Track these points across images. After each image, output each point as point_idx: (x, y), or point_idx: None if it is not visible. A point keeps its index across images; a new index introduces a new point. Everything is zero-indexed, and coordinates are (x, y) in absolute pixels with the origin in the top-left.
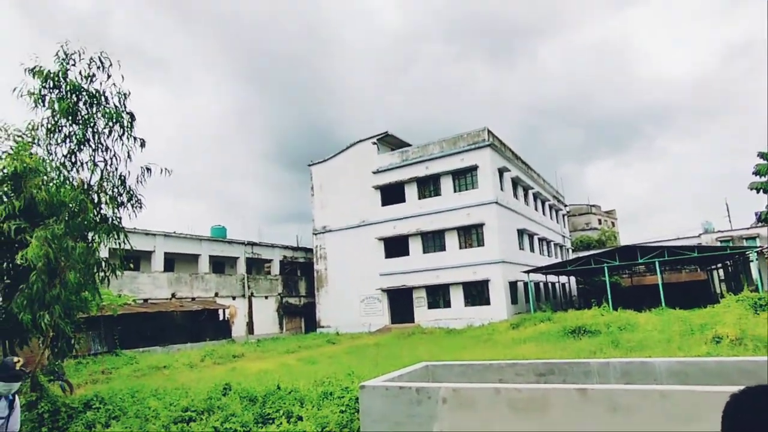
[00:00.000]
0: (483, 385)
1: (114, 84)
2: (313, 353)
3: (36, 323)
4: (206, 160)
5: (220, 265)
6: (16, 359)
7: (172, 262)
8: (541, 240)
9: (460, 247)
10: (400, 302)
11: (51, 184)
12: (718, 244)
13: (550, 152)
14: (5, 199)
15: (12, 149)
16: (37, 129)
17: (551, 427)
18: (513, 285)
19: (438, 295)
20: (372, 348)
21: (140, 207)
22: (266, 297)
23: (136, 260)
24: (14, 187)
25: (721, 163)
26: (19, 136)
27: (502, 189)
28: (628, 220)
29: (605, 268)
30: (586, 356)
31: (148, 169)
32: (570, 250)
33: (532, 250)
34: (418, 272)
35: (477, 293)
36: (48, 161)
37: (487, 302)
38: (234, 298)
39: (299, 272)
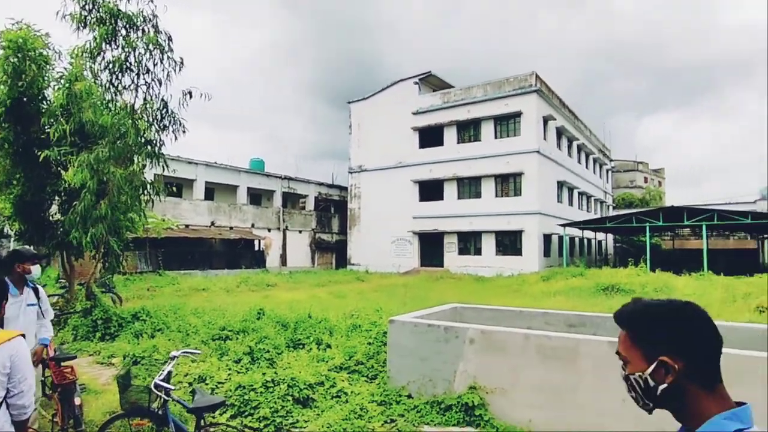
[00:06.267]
0: (512, 329)
1: (151, 1)
2: (343, 288)
3: (85, 239)
4: (249, 92)
5: (257, 197)
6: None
7: (212, 191)
8: (581, 194)
9: (497, 195)
10: (430, 246)
11: (98, 107)
12: None
13: (608, 101)
14: (56, 123)
15: (66, 71)
16: (83, 54)
17: (579, 376)
18: (547, 237)
19: (469, 242)
20: (400, 288)
21: (183, 131)
22: (300, 231)
23: (178, 187)
24: (65, 112)
25: None
26: (71, 60)
27: (545, 138)
28: (678, 181)
29: (647, 227)
30: None
31: (189, 93)
32: (610, 207)
33: (570, 203)
34: (451, 217)
35: (509, 243)
36: (95, 85)
37: (519, 253)
38: (269, 230)
39: (333, 209)
